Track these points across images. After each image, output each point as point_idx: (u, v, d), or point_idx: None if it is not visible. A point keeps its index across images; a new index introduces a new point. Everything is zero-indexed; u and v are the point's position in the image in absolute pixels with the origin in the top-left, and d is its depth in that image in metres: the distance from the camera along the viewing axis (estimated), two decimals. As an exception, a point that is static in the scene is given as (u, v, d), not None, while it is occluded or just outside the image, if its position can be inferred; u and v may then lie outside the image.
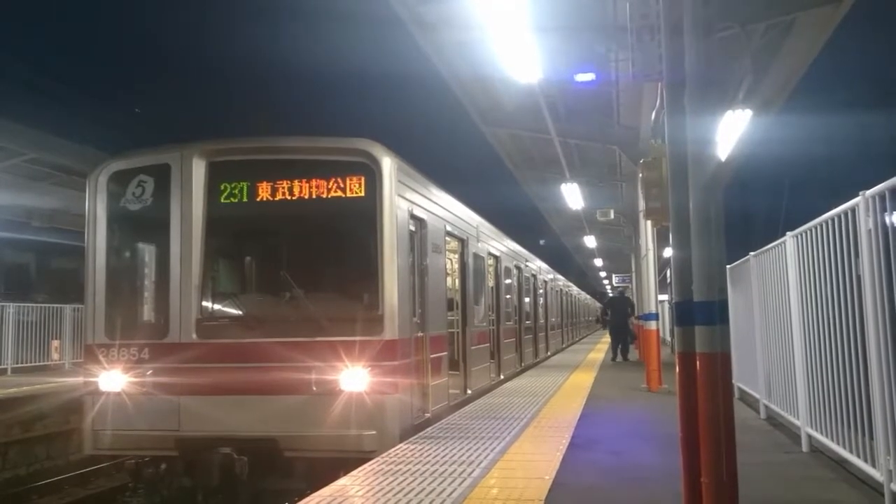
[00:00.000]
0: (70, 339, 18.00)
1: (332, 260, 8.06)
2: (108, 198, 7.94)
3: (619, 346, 19.83)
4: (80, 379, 8.15)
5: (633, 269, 24.83)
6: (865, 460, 4.94)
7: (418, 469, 6.04)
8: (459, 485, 5.50)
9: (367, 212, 7.35)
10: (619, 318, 20.16)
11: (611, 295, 33.79)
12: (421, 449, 6.92)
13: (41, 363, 17.22)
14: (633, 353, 19.79)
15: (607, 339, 27.49)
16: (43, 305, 17.96)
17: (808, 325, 6.14)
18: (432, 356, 8.79)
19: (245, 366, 7.16)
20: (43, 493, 10.35)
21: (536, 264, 21.21)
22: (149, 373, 7.40)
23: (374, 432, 6.98)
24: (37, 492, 10.34)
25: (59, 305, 18.07)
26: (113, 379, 7.48)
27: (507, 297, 15.66)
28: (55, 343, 17.79)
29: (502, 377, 14.03)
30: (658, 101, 9.78)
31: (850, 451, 5.27)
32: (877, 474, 4.68)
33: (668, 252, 20.08)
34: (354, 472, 6.01)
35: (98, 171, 7.99)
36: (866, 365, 4.68)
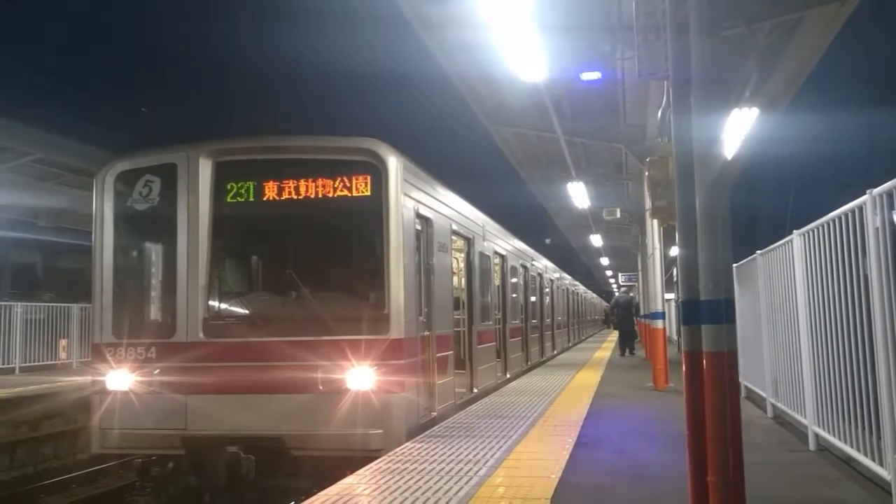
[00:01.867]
0: (77, 338, 18.05)
1: (338, 259, 8.07)
2: (115, 197, 7.97)
3: (626, 343, 21.71)
4: (88, 378, 8.19)
5: (640, 267, 24.79)
6: (873, 459, 4.93)
7: (425, 468, 6.04)
8: (466, 483, 5.51)
9: (374, 211, 7.36)
10: (624, 317, 22.24)
11: (616, 295, 34.04)
12: (427, 448, 6.93)
13: (49, 362, 17.26)
14: (640, 350, 20.99)
15: (613, 337, 27.86)
16: (50, 304, 18.01)
17: (816, 323, 6.12)
18: (438, 355, 8.79)
19: (252, 365, 7.18)
20: (50, 492, 10.38)
21: (542, 263, 21.20)
22: (156, 372, 7.42)
23: (380, 431, 6.99)
24: (44, 490, 10.39)
25: (66, 304, 18.10)
26: (120, 378, 7.51)
27: (513, 295, 15.66)
28: (63, 342, 17.84)
29: (508, 376, 14.04)
30: (664, 99, 9.76)
31: (858, 450, 5.26)
32: (884, 473, 4.66)
33: (674, 251, 20.11)
34: (361, 471, 6.02)
35: (105, 170, 8.02)
36: (874, 363, 4.67)
